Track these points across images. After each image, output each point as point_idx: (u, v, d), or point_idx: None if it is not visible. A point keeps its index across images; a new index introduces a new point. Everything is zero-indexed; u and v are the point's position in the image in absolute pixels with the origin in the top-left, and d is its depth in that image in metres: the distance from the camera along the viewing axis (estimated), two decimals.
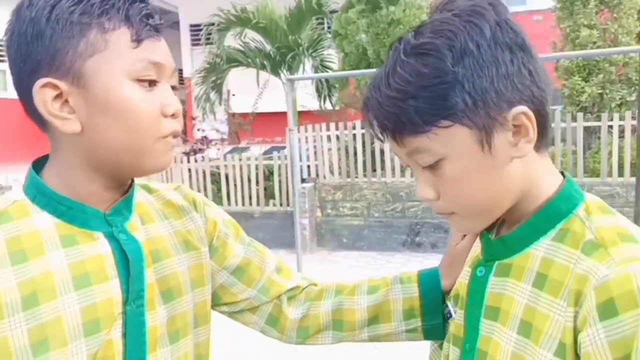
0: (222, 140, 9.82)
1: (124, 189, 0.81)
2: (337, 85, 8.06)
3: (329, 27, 8.77)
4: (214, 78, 8.44)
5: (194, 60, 12.43)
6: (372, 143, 6.57)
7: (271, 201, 7.12)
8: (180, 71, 13.46)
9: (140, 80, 0.73)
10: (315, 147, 6.89)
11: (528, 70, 0.68)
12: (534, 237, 0.71)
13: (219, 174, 7.29)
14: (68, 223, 0.75)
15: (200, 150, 8.75)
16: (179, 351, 0.83)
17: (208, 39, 8.00)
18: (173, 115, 0.76)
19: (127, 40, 0.72)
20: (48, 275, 0.72)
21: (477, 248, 0.83)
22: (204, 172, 7.34)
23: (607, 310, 0.60)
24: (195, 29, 12.02)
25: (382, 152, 6.63)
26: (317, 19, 8.83)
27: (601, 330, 0.60)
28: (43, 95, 0.71)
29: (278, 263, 1.01)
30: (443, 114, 0.66)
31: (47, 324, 0.70)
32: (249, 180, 7.08)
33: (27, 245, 0.72)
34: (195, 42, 12.33)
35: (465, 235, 0.92)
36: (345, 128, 6.81)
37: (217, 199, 7.38)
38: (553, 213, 0.71)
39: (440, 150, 0.68)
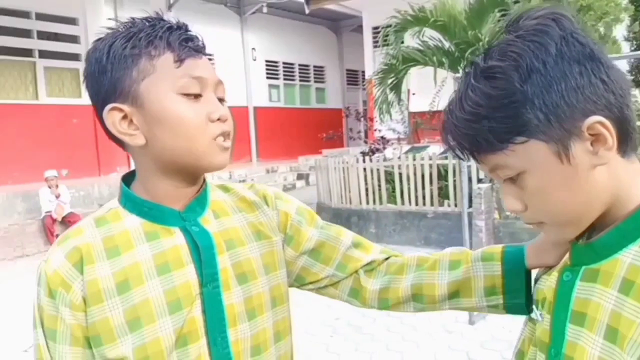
0: (399, 139, 9.88)
1: (195, 189, 0.93)
2: None
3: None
4: (391, 79, 8.53)
5: (376, 61, 12.67)
6: None
7: (445, 201, 6.99)
8: (363, 73, 13.84)
9: (185, 94, 0.85)
10: None
11: (600, 80, 0.68)
12: (622, 243, 0.71)
13: (393, 174, 7.37)
14: (151, 222, 0.90)
15: (377, 150, 8.93)
16: (257, 327, 0.93)
17: (385, 40, 8.11)
18: (219, 119, 0.86)
19: (171, 62, 0.85)
20: (136, 265, 0.87)
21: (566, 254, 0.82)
22: (378, 172, 7.48)
23: None
24: (376, 31, 12.24)
25: None
26: (500, 11, 8.38)
27: None
28: (112, 118, 0.86)
29: (355, 240, 1.07)
30: (516, 130, 0.68)
31: (138, 305, 0.85)
32: (423, 180, 7.04)
33: (119, 242, 0.88)
34: (376, 44, 12.57)
35: None
36: None
37: (392, 199, 7.48)
38: None
39: (518, 165, 0.70)
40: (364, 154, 8.57)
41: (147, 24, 0.87)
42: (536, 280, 0.89)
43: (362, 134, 12.23)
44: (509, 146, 0.69)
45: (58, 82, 11.33)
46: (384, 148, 8.97)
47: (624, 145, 0.71)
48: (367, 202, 7.64)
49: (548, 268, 0.87)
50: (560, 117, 0.67)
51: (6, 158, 10.28)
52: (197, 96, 0.86)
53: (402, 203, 7.29)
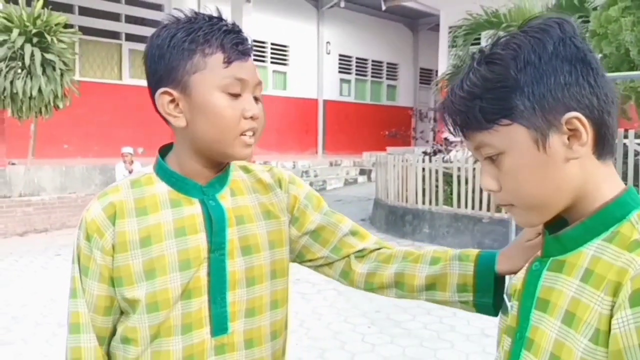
0: (462, 142, 9.75)
1: (220, 168, 1.08)
2: None
3: (584, 28, 8.00)
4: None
5: (450, 61, 12.54)
6: (625, 155, 5.84)
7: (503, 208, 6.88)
8: (437, 72, 13.70)
9: (228, 93, 0.98)
10: None
11: (587, 82, 0.75)
12: (587, 237, 0.77)
13: (452, 176, 7.33)
14: (176, 191, 1.05)
15: (440, 151, 8.88)
16: (254, 293, 1.07)
17: (454, 41, 8.06)
18: (252, 118, 1.00)
19: (220, 62, 0.97)
20: (159, 225, 1.02)
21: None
22: (437, 172, 7.47)
23: (638, 298, 0.66)
24: (453, 30, 12.10)
25: (636, 166, 5.85)
26: (580, 17, 8.10)
27: (630, 315, 0.66)
28: (162, 99, 1.00)
29: (353, 229, 1.19)
30: (504, 113, 0.76)
31: (155, 259, 1.01)
32: None
33: (148, 204, 1.04)
34: (452, 44, 12.44)
35: (539, 235, 0.97)
36: None
37: (448, 201, 7.44)
38: (608, 216, 0.77)
39: (500, 145, 0.77)
40: (426, 153, 8.56)
41: (206, 22, 0.98)
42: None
43: (430, 135, 12.15)
44: (494, 126, 0.76)
45: (141, 65, 11.89)
46: (447, 150, 8.90)
47: (600, 147, 0.77)
48: (423, 202, 7.64)
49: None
50: (545, 107, 0.74)
51: (88, 133, 11.03)
52: (237, 95, 0.98)
53: (459, 206, 7.24)
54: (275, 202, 1.14)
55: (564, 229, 0.80)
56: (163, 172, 1.06)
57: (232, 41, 0.98)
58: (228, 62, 0.97)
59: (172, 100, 0.99)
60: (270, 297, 1.10)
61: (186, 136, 1.03)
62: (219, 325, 1.03)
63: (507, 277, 1.02)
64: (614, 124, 0.78)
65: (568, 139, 0.75)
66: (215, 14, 1.02)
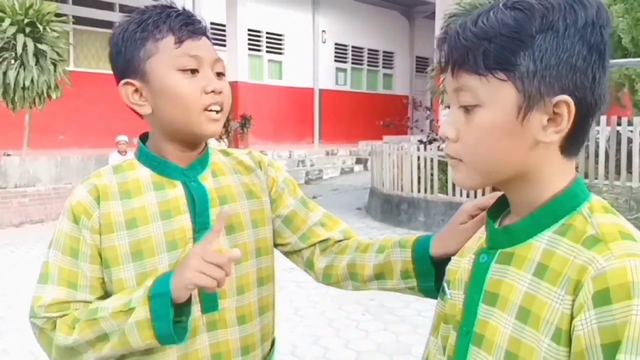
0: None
1: (198, 151, 1.09)
2: None
3: None
4: None
5: None
6: (619, 143, 5.86)
7: None
8: (432, 61, 13.67)
9: (183, 70, 1.00)
10: None
11: (593, 75, 0.71)
12: (536, 229, 0.75)
13: (447, 164, 7.34)
14: (158, 174, 1.06)
15: (435, 140, 8.89)
16: (241, 271, 1.08)
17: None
18: (213, 92, 1.00)
19: (172, 43, 1.00)
20: (143, 208, 1.04)
21: (482, 236, 0.87)
22: (432, 161, 7.48)
23: (602, 298, 0.64)
24: (448, 18, 12.06)
25: (629, 153, 5.88)
26: None
27: (593, 316, 0.64)
28: (125, 90, 1.03)
29: (323, 218, 1.20)
30: (504, 66, 0.71)
31: (142, 240, 1.02)
32: None
33: (131, 187, 1.05)
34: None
35: (473, 217, 0.97)
36: None
37: (444, 189, 7.46)
38: (557, 208, 0.74)
39: (482, 96, 0.73)
40: (421, 142, 8.56)
41: (156, 11, 1.03)
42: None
43: (426, 123, 12.15)
44: (488, 75, 0.71)
45: None
46: (442, 139, 8.89)
47: (569, 143, 0.74)
48: (419, 191, 7.66)
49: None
50: (545, 79, 0.70)
51: (84, 123, 11.01)
52: (193, 71, 1.00)
53: (454, 194, 7.26)
54: (256, 183, 1.16)
55: (512, 221, 0.78)
56: (145, 157, 1.08)
57: (181, 22, 1.01)
58: (179, 42, 1.00)
59: (136, 90, 1.03)
60: (257, 274, 1.11)
61: (156, 122, 1.05)
62: (208, 303, 1.04)
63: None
64: (590, 127, 0.75)
65: (548, 120, 0.72)
66: (166, 3, 1.04)
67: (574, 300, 0.67)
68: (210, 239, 0.93)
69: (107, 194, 1.03)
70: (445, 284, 0.88)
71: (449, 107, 0.80)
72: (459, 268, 0.86)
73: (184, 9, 1.05)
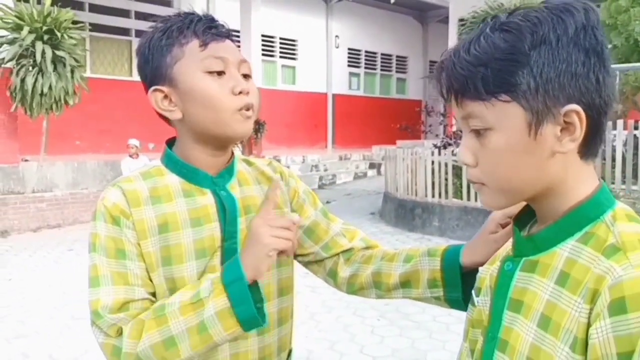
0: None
1: (226, 159, 1.10)
2: None
3: None
4: None
5: None
6: (636, 147, 5.79)
7: None
8: None
9: (210, 72, 1.01)
10: None
11: (596, 78, 0.71)
12: (561, 237, 0.75)
13: (462, 168, 7.31)
14: (188, 182, 1.06)
15: (450, 144, 8.86)
16: (262, 281, 1.06)
17: (461, 35, 8.02)
18: (241, 92, 1.01)
19: (197, 47, 1.01)
20: (174, 214, 1.04)
21: (509, 246, 0.87)
22: (446, 166, 7.46)
23: (618, 307, 0.64)
24: (462, 23, 12.03)
25: None
26: None
27: (609, 325, 0.64)
28: (155, 97, 1.04)
29: (344, 228, 1.21)
30: (505, 88, 0.71)
31: (172, 246, 1.02)
32: None
33: (161, 193, 1.05)
34: (461, 36, 12.37)
35: (503, 227, 0.98)
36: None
37: (458, 194, 7.43)
38: (581, 217, 0.74)
39: (491, 120, 0.73)
40: (435, 147, 8.54)
41: (179, 17, 1.05)
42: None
43: (440, 128, 12.12)
44: (492, 99, 0.71)
45: None
46: (457, 143, 8.87)
47: (587, 147, 0.74)
48: (433, 196, 7.63)
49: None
50: (549, 92, 0.70)
51: (99, 129, 11.13)
52: (220, 73, 1.01)
53: (468, 199, 7.22)
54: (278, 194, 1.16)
55: (538, 229, 0.78)
56: (173, 164, 1.08)
57: (204, 26, 1.02)
58: (204, 44, 1.01)
59: (165, 97, 1.03)
60: (277, 284, 1.12)
61: (186, 127, 1.05)
62: None
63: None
64: (605, 126, 0.75)
65: (561, 131, 0.71)
66: (190, 11, 1.06)
67: (591, 309, 0.67)
68: (267, 209, 0.95)
69: (138, 199, 1.02)
70: (474, 291, 0.89)
71: (461, 131, 0.81)
72: (488, 275, 0.86)
73: (206, 13, 1.06)
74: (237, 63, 1.04)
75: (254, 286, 0.94)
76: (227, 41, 1.05)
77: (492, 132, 0.73)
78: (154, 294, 1.01)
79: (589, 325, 0.67)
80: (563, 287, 0.71)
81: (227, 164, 1.10)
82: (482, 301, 0.85)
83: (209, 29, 1.02)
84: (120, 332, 0.96)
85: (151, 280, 1.01)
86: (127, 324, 0.96)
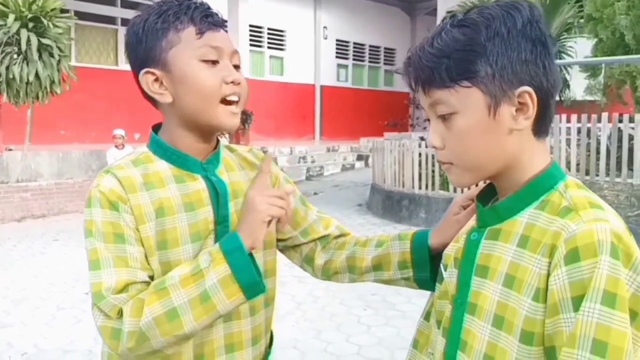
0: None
1: (212, 146, 1.11)
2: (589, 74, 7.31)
3: (579, 11, 7.99)
4: None
5: None
6: (620, 140, 5.87)
7: None
8: None
9: (204, 61, 1.02)
10: (552, 139, 6.46)
11: (542, 64, 0.82)
12: (520, 206, 0.85)
13: None
14: (178, 167, 1.07)
15: None
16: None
17: None
18: (232, 82, 1.03)
19: (193, 34, 1.02)
20: (169, 199, 1.05)
21: (472, 222, 0.96)
22: (433, 157, 7.49)
23: (572, 257, 0.74)
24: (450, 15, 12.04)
25: (630, 150, 5.89)
26: (577, 1, 8.10)
27: (565, 272, 0.74)
28: (146, 80, 1.04)
29: (320, 215, 1.26)
30: (466, 75, 0.81)
31: (167, 230, 1.03)
32: None
33: (154, 179, 1.05)
34: None
35: (465, 208, 1.07)
36: (589, 120, 6.20)
37: (445, 185, 7.48)
38: (538, 187, 0.85)
39: (455, 105, 0.82)
40: (422, 139, 8.58)
41: (175, 2, 1.05)
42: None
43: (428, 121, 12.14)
44: (455, 86, 0.81)
45: None
46: None
47: (539, 125, 0.84)
48: (420, 187, 7.68)
49: None
50: (503, 77, 0.80)
51: (85, 119, 11.02)
52: (214, 62, 1.02)
53: (455, 190, 7.27)
54: None
55: (499, 200, 0.87)
56: (161, 150, 1.08)
57: (201, 14, 1.03)
58: (200, 32, 1.02)
59: (156, 80, 1.04)
60: (264, 266, 1.14)
61: (174, 112, 1.06)
62: None
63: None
64: (553, 107, 0.86)
65: (516, 111, 0.82)
66: None
67: (550, 262, 0.76)
68: (261, 180, 1.00)
69: (133, 185, 1.02)
70: (442, 267, 0.97)
71: (429, 120, 0.89)
72: (454, 250, 0.95)
73: (202, 2, 1.06)
74: (230, 53, 1.05)
75: (252, 257, 0.96)
76: (222, 31, 1.06)
77: (457, 116, 0.83)
78: (152, 278, 1.02)
79: (548, 275, 0.76)
80: (524, 249, 0.81)
81: (214, 151, 1.12)
82: (449, 274, 0.94)
83: (205, 17, 1.03)
84: (120, 314, 0.95)
85: (149, 265, 1.02)
86: (127, 304, 0.95)
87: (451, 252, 0.95)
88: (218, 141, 1.14)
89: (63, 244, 6.75)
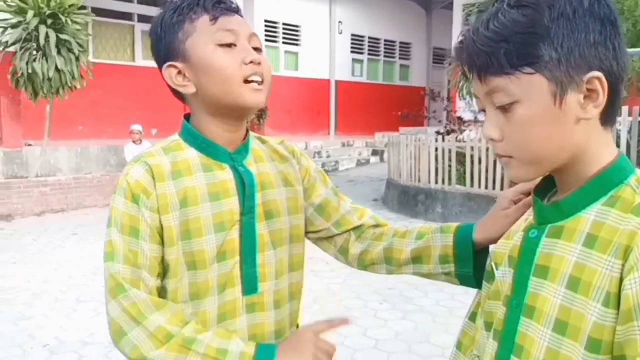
0: (475, 121, 9.68)
1: (241, 135, 1.12)
2: None
3: None
4: None
5: None
6: None
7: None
8: (450, 52, 13.55)
9: (221, 45, 1.03)
10: None
11: (612, 45, 0.74)
12: (586, 202, 0.78)
13: (465, 155, 7.31)
14: (207, 156, 1.08)
15: (453, 131, 8.85)
16: (277, 255, 1.11)
17: (467, 20, 7.97)
18: (252, 62, 1.02)
19: (207, 21, 1.04)
20: (194, 188, 1.05)
21: (528, 218, 0.90)
22: (450, 152, 7.45)
23: None
24: (469, 10, 11.94)
25: None
26: None
27: None
28: (169, 73, 1.06)
29: (353, 206, 1.24)
30: (528, 61, 0.74)
31: (191, 220, 1.04)
32: (495, 163, 6.94)
33: (181, 167, 1.06)
34: (467, 22, 12.26)
35: (515, 203, 1.00)
36: None
37: (461, 180, 7.44)
38: (606, 181, 0.77)
39: (516, 93, 0.75)
40: (439, 133, 8.53)
41: None
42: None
43: (443, 114, 12.10)
44: (516, 73, 0.74)
45: None
46: (460, 129, 8.86)
47: (607, 114, 0.77)
48: (436, 182, 7.64)
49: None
50: (570, 62, 0.73)
51: (102, 114, 11.12)
52: (231, 45, 1.03)
53: (472, 185, 7.23)
54: (291, 172, 1.18)
55: (563, 196, 0.80)
56: (192, 138, 1.09)
57: (213, 1, 1.05)
58: (214, 18, 1.04)
59: (179, 72, 1.05)
60: (289, 260, 1.14)
61: (199, 101, 1.07)
62: (249, 284, 1.07)
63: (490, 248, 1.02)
64: (622, 95, 0.78)
65: (584, 98, 0.74)
66: None
67: (623, 265, 0.70)
68: (321, 327, 1.03)
69: (161, 174, 1.03)
70: (493, 265, 0.91)
71: (483, 110, 0.82)
72: (507, 249, 0.88)
73: None
74: (248, 36, 1.06)
75: None
76: (236, 15, 1.07)
77: (518, 105, 0.76)
78: (160, 275, 1.03)
79: (621, 279, 0.70)
80: (592, 249, 0.74)
81: (243, 141, 1.12)
82: (502, 273, 0.87)
83: (217, 3, 1.05)
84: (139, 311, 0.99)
85: (162, 261, 1.03)
86: (165, 305, 1.00)
87: (504, 250, 0.89)
88: (247, 131, 1.14)
89: (81, 237, 6.83)
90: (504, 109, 0.77)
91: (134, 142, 8.51)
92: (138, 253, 1.00)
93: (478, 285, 1.00)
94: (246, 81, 1.02)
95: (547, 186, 0.86)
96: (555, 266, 0.77)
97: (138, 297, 0.98)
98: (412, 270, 1.13)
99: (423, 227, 1.15)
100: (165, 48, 1.06)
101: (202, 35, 1.03)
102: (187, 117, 1.13)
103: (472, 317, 0.97)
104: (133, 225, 1.01)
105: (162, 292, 1.05)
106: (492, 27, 0.75)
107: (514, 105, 0.76)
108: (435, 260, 1.08)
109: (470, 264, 1.04)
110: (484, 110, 0.82)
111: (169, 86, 1.08)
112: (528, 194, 0.96)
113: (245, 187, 1.08)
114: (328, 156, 13.05)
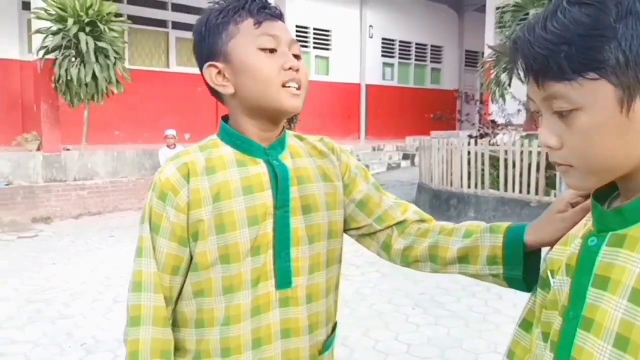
0: (507, 125, 9.53)
1: (277, 133, 1.14)
2: None
3: None
4: (506, 61, 8.27)
5: (497, 42, 12.22)
6: None
7: (552, 191, 6.74)
8: (483, 55, 13.41)
9: (263, 49, 1.06)
10: None
11: None
12: None
13: (498, 159, 7.21)
14: (241, 152, 1.11)
15: (487, 134, 8.73)
16: (313, 250, 1.13)
17: (501, 21, 7.87)
18: (290, 68, 1.05)
19: (251, 25, 1.06)
20: (227, 183, 1.08)
21: (586, 223, 0.84)
22: (483, 156, 7.36)
23: None
24: (500, 11, 11.79)
25: None
26: None
27: None
28: (209, 73, 1.09)
29: (396, 201, 1.23)
30: (593, 65, 0.67)
31: (224, 214, 1.07)
32: (529, 167, 6.83)
33: (216, 164, 1.10)
34: (499, 24, 12.12)
35: (573, 206, 0.95)
36: None
37: (495, 184, 7.34)
38: None
39: (578, 100, 0.69)
40: (471, 137, 8.43)
41: (234, 1, 1.09)
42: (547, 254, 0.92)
43: (476, 117, 11.96)
44: (578, 79, 0.67)
45: (187, 52, 12.21)
46: (494, 133, 8.75)
47: None
48: (469, 186, 7.55)
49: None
50: (639, 65, 0.66)
51: (138, 120, 11.36)
52: (272, 50, 1.06)
53: (505, 190, 7.13)
54: (330, 167, 1.19)
55: (627, 201, 0.74)
56: (228, 136, 1.13)
57: (258, 6, 1.08)
58: (258, 22, 1.07)
59: (219, 72, 1.09)
60: (327, 255, 1.15)
61: (237, 102, 1.10)
62: (283, 279, 1.09)
63: (542, 252, 0.98)
64: None
65: None
66: None
67: None
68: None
69: (196, 170, 1.07)
70: (548, 273, 0.85)
71: (538, 112, 0.77)
72: (564, 256, 0.83)
73: None
74: (289, 42, 1.09)
75: None
76: (279, 22, 1.10)
77: (580, 113, 0.70)
78: (175, 271, 1.09)
79: None
80: None
81: (279, 137, 1.15)
82: (558, 282, 0.81)
83: (262, 8, 1.08)
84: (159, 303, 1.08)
85: (178, 260, 1.08)
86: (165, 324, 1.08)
87: (560, 257, 0.83)
88: (284, 129, 1.16)
89: (118, 240, 6.98)
90: (562, 115, 0.71)
91: (168, 146, 8.69)
92: (155, 248, 1.07)
93: (528, 289, 0.96)
94: (284, 86, 1.05)
95: (607, 190, 0.80)
96: (616, 277, 0.71)
97: (146, 302, 1.07)
98: (458, 270, 1.10)
99: (471, 224, 1.11)
100: (207, 48, 1.09)
101: (245, 38, 1.06)
102: (225, 118, 1.16)
103: (524, 325, 0.92)
104: (156, 221, 1.07)
105: (192, 287, 1.09)
106: (550, 27, 0.68)
107: (575, 112, 0.70)
108: (482, 261, 1.05)
109: (520, 267, 1.00)
110: (537, 112, 0.76)
111: (208, 86, 1.11)
112: (587, 197, 0.90)
113: (278, 180, 1.10)
114: (358, 160, 12.99)
